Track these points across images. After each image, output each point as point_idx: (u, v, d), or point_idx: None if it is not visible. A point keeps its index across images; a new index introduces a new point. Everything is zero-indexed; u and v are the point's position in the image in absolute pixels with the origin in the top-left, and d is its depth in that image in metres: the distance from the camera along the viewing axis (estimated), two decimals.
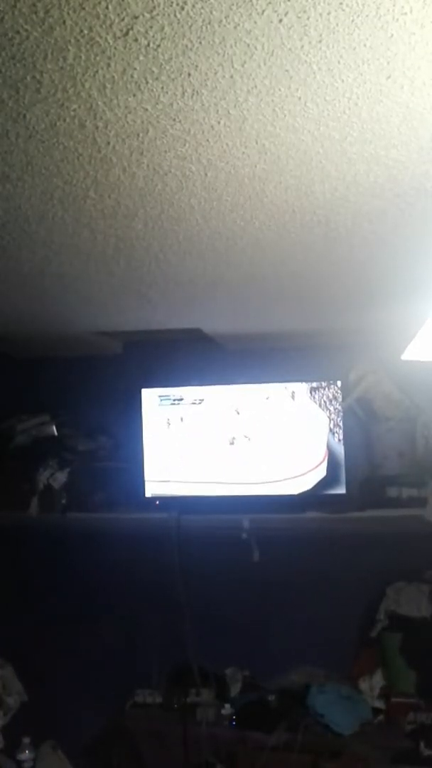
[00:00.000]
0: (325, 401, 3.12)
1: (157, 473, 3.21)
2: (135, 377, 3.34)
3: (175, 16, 0.94)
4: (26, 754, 2.97)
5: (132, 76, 1.08)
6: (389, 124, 1.24)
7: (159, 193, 1.54)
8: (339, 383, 3.13)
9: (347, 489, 3.07)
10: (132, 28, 0.96)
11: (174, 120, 1.22)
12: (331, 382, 3.13)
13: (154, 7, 0.92)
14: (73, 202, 1.59)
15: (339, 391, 3.12)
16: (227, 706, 3.16)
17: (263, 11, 0.93)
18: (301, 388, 3.15)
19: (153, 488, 3.21)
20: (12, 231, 1.77)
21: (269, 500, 3.12)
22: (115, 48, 1.01)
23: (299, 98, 1.15)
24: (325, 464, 3.10)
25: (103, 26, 0.96)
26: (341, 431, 3.10)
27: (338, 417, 3.11)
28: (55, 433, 3.43)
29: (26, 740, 3.00)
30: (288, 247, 1.93)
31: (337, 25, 0.96)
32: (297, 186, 1.51)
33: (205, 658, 3.24)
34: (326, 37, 0.98)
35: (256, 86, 1.11)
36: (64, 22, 0.94)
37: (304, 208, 1.63)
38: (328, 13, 0.93)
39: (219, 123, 1.23)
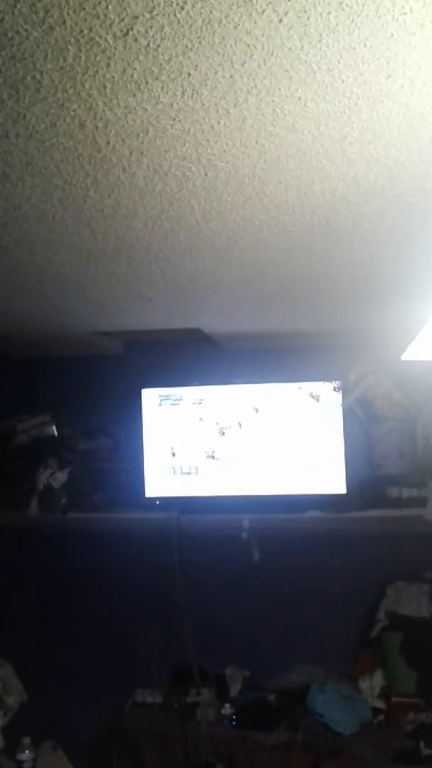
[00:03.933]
0: (326, 402, 3.13)
1: (157, 473, 3.21)
2: (135, 377, 3.34)
3: (175, 16, 0.94)
4: (26, 754, 2.96)
5: (132, 76, 1.08)
6: (389, 124, 1.24)
7: (159, 193, 1.54)
8: (339, 383, 3.14)
9: (347, 489, 3.07)
10: (132, 28, 0.96)
11: (174, 120, 1.22)
12: (331, 381, 3.13)
13: (154, 7, 0.92)
14: (73, 202, 1.59)
15: (339, 392, 3.13)
16: (227, 706, 3.16)
17: (263, 11, 0.93)
18: (303, 388, 3.15)
19: (153, 488, 3.21)
20: (12, 231, 1.77)
21: (269, 500, 3.12)
22: (115, 48, 1.01)
23: (299, 98, 1.15)
24: (326, 465, 3.11)
25: (103, 26, 0.96)
26: (342, 431, 3.10)
27: (339, 417, 3.11)
28: (55, 433, 3.43)
29: (26, 740, 3.00)
30: (288, 247, 1.93)
31: (337, 24, 0.96)
32: (297, 186, 1.51)
33: (205, 658, 3.24)
34: (326, 36, 0.98)
35: (256, 86, 1.11)
36: (64, 22, 0.94)
37: (304, 208, 1.63)
38: (328, 13, 0.93)
39: (219, 123, 1.23)
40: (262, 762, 2.87)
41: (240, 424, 3.18)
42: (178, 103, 1.16)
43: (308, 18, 0.94)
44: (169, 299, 2.52)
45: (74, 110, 1.18)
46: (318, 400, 3.11)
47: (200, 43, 1.00)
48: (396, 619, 3.19)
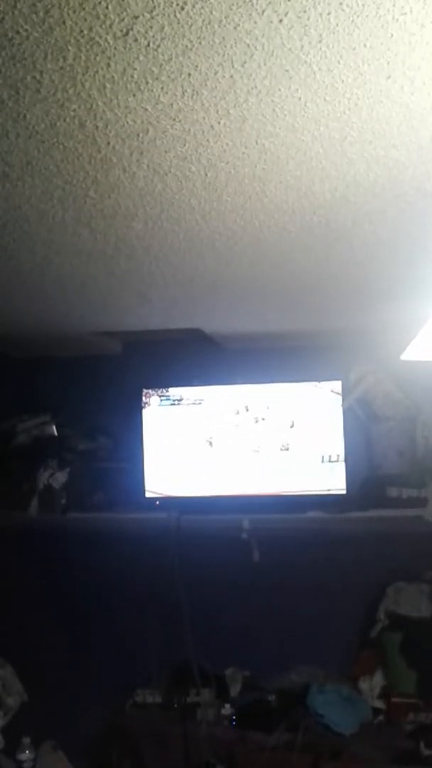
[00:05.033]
0: (327, 402, 3.13)
1: (157, 473, 3.21)
2: (135, 377, 3.34)
3: (175, 16, 0.93)
4: (26, 754, 2.96)
5: (132, 76, 1.08)
6: (389, 124, 1.24)
7: (159, 193, 1.54)
8: (339, 383, 3.14)
9: (347, 489, 3.07)
10: (132, 28, 0.96)
11: (174, 120, 1.22)
12: (331, 381, 3.14)
13: (154, 7, 0.92)
14: (73, 202, 1.59)
15: (339, 391, 3.13)
16: (227, 706, 3.16)
17: (263, 11, 0.93)
18: (303, 387, 3.15)
19: (153, 488, 3.21)
20: (12, 231, 1.77)
21: (269, 500, 3.12)
22: (115, 48, 1.01)
23: (299, 98, 1.15)
24: (326, 465, 3.11)
25: (103, 26, 0.95)
26: (342, 432, 3.10)
27: (339, 417, 3.11)
28: (55, 433, 3.43)
29: (26, 740, 2.99)
30: (288, 247, 1.93)
31: (337, 25, 0.95)
32: (297, 186, 1.51)
33: (205, 658, 3.24)
34: (326, 37, 0.98)
35: (256, 86, 1.11)
36: (64, 22, 0.94)
37: (304, 208, 1.63)
38: (328, 14, 0.93)
39: (219, 123, 1.23)
40: (262, 762, 2.87)
41: (240, 425, 3.18)
42: (178, 104, 1.16)
43: (308, 18, 0.94)
44: (169, 299, 2.52)
45: (74, 110, 1.18)
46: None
47: (200, 43, 1.00)
48: (396, 619, 3.19)
